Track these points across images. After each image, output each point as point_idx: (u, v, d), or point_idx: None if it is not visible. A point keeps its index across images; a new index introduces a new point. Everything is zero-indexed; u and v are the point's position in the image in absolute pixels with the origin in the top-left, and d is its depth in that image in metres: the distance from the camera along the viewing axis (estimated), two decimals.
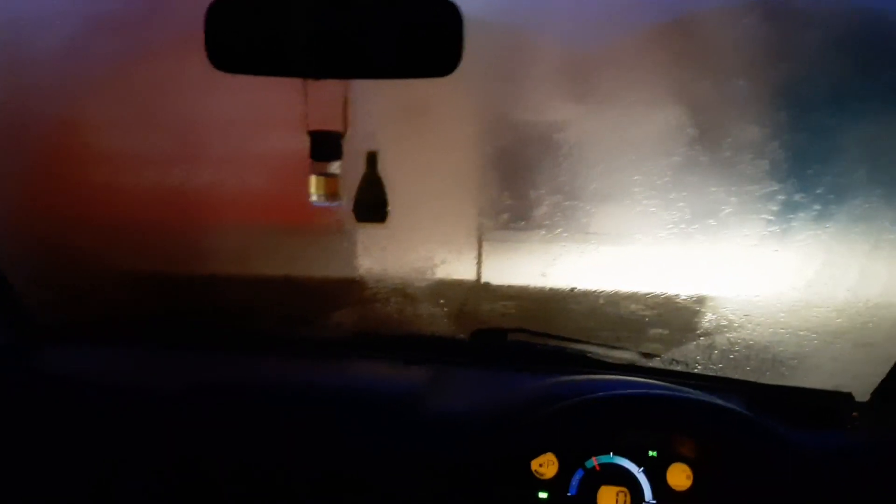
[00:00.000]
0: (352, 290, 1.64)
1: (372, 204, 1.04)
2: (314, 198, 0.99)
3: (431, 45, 0.89)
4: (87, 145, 1.68)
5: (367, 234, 1.61)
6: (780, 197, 1.41)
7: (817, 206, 1.40)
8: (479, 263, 1.64)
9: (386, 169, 1.13)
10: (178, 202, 1.72)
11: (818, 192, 1.40)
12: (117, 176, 1.71)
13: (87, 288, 1.72)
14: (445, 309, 1.63)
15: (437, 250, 1.61)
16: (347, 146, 1.11)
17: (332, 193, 0.99)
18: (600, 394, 1.17)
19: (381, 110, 1.51)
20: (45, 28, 1.59)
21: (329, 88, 1.01)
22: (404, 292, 1.62)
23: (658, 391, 1.20)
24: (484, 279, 1.66)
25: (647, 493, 1.14)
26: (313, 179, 0.99)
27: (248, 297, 1.72)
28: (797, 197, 1.41)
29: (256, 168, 1.66)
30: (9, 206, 1.70)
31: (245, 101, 1.56)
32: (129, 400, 1.30)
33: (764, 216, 1.43)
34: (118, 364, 1.44)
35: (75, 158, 1.70)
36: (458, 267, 1.62)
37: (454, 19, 0.87)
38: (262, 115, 1.60)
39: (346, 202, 1.04)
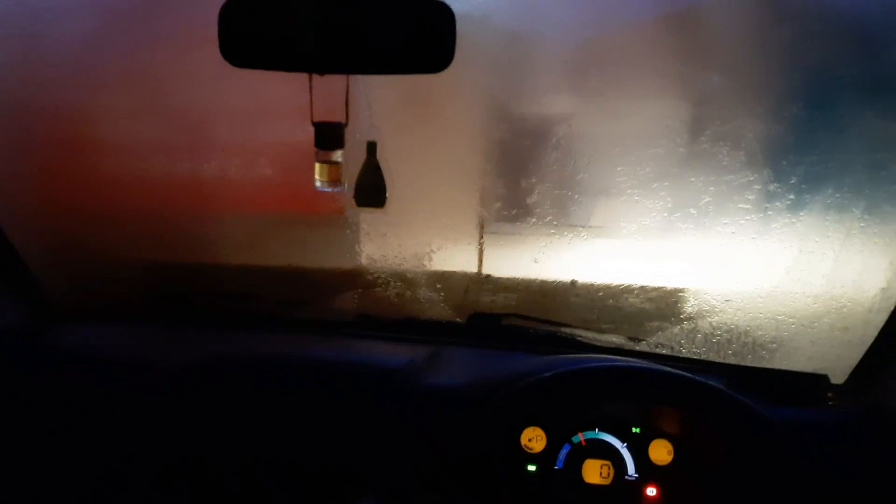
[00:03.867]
0: (353, 275, 1.68)
1: (371, 189, 1.12)
2: (318, 184, 1.06)
3: (427, 44, 0.95)
4: (100, 137, 1.71)
5: (369, 222, 1.65)
6: (757, 187, 1.45)
7: (791, 196, 1.44)
8: (480, 253, 1.69)
9: (393, 160, 1.19)
10: (189, 191, 1.75)
11: (792, 181, 1.43)
12: (128, 166, 1.75)
13: (100, 273, 1.76)
14: (443, 294, 1.67)
15: (437, 239, 1.65)
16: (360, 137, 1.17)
17: (334, 180, 1.06)
18: (582, 366, 1.22)
19: (391, 104, 1.57)
20: (56, 19, 1.61)
21: (334, 83, 1.08)
22: (405, 278, 1.67)
23: (640, 365, 1.25)
24: (484, 270, 1.71)
25: (630, 467, 1.19)
26: (318, 167, 1.06)
27: (254, 282, 1.75)
28: (772, 187, 1.45)
29: (265, 158, 1.69)
30: (26, 196, 1.74)
31: (252, 94, 1.59)
32: (139, 374, 1.35)
33: (741, 205, 1.47)
34: (128, 341, 1.50)
35: (87, 150, 1.73)
36: (458, 256, 1.67)
37: (447, 20, 0.94)
38: (268, 107, 1.62)
39: (347, 188, 1.11)
